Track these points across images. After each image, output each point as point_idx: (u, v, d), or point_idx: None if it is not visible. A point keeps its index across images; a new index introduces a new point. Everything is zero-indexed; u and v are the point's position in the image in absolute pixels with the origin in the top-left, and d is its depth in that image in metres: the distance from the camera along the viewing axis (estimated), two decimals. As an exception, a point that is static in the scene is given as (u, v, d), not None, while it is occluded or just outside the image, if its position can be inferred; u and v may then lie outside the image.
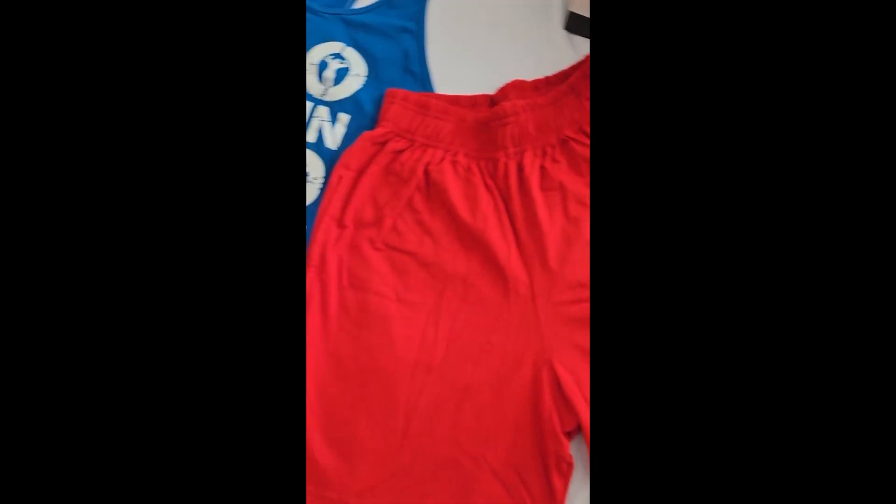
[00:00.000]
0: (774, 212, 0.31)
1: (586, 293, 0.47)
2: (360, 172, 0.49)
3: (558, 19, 0.55)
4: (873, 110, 0.31)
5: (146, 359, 0.31)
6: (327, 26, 0.53)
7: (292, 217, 0.33)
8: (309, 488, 0.44)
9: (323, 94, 0.52)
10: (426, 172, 0.49)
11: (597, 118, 0.33)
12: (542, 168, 0.49)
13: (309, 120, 0.52)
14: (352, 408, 0.45)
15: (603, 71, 0.33)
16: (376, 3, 0.55)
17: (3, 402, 0.31)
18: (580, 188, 0.49)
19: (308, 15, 0.54)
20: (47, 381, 0.31)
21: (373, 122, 0.51)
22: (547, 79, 0.53)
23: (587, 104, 0.50)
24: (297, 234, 0.34)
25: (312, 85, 0.52)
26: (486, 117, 0.50)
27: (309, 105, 0.52)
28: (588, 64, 0.51)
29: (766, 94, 0.31)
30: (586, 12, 0.53)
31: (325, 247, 0.47)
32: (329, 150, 0.51)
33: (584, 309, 0.46)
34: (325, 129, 0.51)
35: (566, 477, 0.44)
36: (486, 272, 0.47)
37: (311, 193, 0.50)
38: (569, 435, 0.44)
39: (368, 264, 0.47)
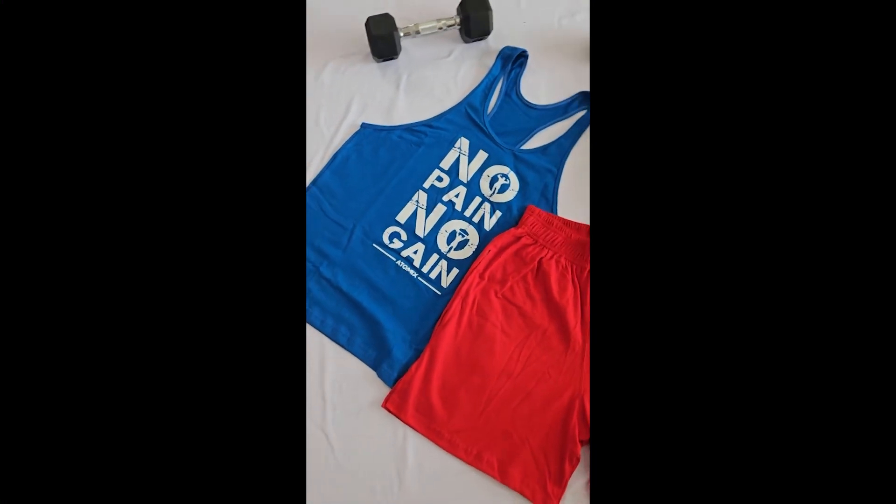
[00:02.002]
0: (769, 218, 0.34)
1: (615, 363, 0.75)
2: (501, 250, 0.80)
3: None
4: (870, 111, 0.33)
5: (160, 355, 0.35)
6: (504, 155, 0.86)
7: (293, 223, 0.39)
8: (422, 419, 0.73)
9: (490, 196, 0.84)
10: (539, 262, 0.79)
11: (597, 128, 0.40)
12: (610, 280, 0.79)
13: (478, 209, 0.84)
14: (460, 381, 0.75)
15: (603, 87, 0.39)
16: (536, 148, 0.87)
17: (9, 401, 0.32)
18: (629, 299, 0.78)
19: (493, 146, 0.87)
20: (68, 378, 0.33)
21: (515, 222, 0.82)
22: (628, 226, 0.83)
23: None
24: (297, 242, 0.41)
25: (485, 188, 0.85)
26: (584, 240, 0.80)
27: (479, 199, 0.84)
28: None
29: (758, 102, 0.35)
30: None
31: (469, 287, 0.78)
32: (485, 230, 0.82)
33: (611, 372, 0.75)
34: (485, 217, 0.83)
35: (573, 466, 0.71)
36: (559, 331, 0.77)
37: (467, 252, 0.82)
38: (582, 443, 0.72)
39: (490, 305, 0.78)
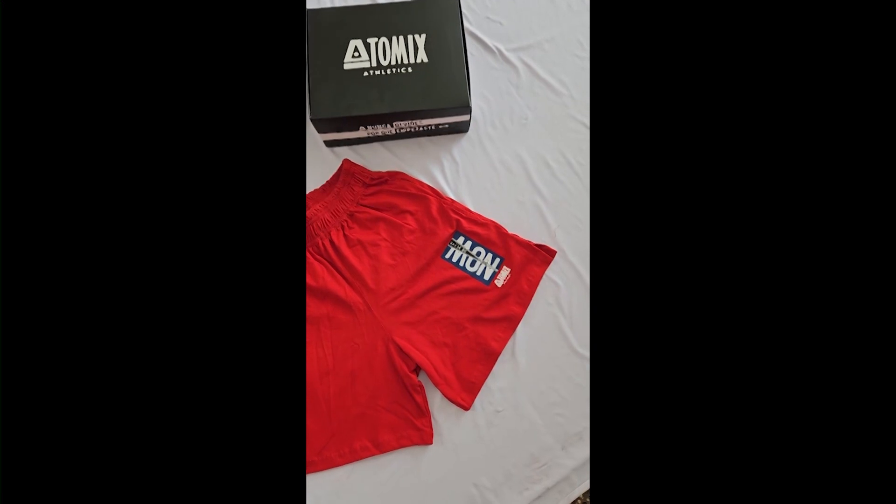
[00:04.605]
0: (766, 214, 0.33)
1: (395, 293, 0.80)
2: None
3: (322, 144, 0.88)
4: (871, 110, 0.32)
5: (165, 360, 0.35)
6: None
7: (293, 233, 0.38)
8: (291, 465, 0.75)
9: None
10: (281, 268, 0.81)
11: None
12: (345, 235, 0.82)
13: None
14: (296, 413, 0.77)
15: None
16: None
17: (9, 401, 0.33)
18: (371, 236, 0.82)
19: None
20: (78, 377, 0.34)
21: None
22: (328, 182, 0.86)
23: (356, 188, 0.84)
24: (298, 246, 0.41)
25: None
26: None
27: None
28: (346, 164, 0.84)
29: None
30: (318, 114, 0.82)
31: (243, 335, 0.79)
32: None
33: (399, 302, 0.80)
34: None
35: (422, 394, 0.77)
36: (337, 307, 0.80)
37: (224, 309, 0.81)
38: (414, 371, 0.77)
39: (271, 333, 0.79)
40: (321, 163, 0.87)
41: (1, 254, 0.34)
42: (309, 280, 0.80)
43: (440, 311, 0.80)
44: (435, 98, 0.79)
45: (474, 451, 0.77)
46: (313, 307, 0.80)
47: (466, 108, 0.80)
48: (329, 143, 0.87)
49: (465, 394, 0.78)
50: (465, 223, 0.83)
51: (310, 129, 0.87)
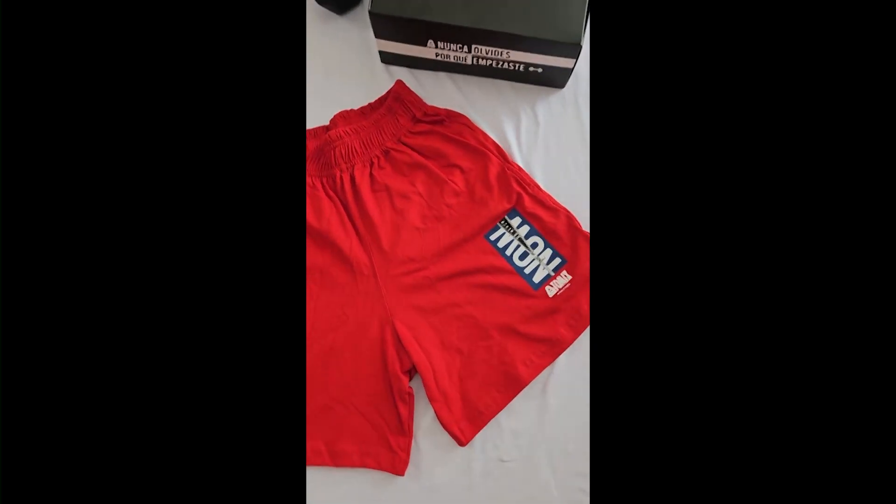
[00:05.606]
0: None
1: (414, 265, 0.60)
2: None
3: (376, 56, 0.69)
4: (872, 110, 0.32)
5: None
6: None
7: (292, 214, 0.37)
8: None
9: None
10: (281, 193, 0.63)
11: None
12: (371, 175, 0.63)
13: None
14: (244, 380, 0.58)
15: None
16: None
17: (7, 399, 0.33)
18: (403, 186, 0.63)
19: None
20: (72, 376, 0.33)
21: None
22: (370, 104, 0.66)
23: (402, 120, 0.64)
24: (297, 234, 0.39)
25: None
26: (321, 144, 0.64)
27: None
28: (398, 86, 0.65)
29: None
30: (379, 7, 0.60)
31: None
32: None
33: (415, 277, 0.60)
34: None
35: (409, 405, 0.57)
36: (336, 261, 0.61)
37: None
38: (408, 373, 0.58)
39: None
40: (369, 78, 0.68)
41: (1, 254, 0.35)
42: (310, 218, 0.61)
43: (464, 306, 0.60)
44: (538, 24, 0.58)
45: (457, 501, 0.57)
46: (308, 254, 0.61)
47: (575, 49, 0.59)
48: (385, 58, 0.68)
49: (465, 423, 0.57)
50: (528, 201, 0.62)
51: (365, 31, 0.68)
